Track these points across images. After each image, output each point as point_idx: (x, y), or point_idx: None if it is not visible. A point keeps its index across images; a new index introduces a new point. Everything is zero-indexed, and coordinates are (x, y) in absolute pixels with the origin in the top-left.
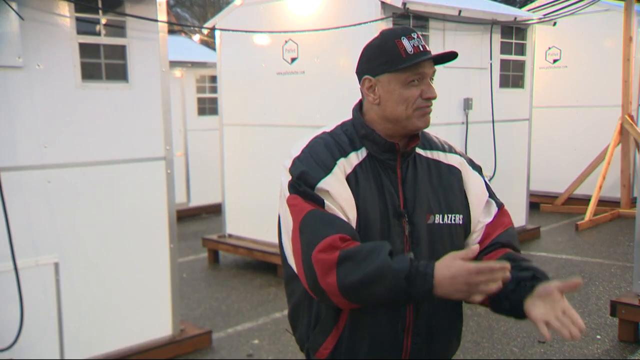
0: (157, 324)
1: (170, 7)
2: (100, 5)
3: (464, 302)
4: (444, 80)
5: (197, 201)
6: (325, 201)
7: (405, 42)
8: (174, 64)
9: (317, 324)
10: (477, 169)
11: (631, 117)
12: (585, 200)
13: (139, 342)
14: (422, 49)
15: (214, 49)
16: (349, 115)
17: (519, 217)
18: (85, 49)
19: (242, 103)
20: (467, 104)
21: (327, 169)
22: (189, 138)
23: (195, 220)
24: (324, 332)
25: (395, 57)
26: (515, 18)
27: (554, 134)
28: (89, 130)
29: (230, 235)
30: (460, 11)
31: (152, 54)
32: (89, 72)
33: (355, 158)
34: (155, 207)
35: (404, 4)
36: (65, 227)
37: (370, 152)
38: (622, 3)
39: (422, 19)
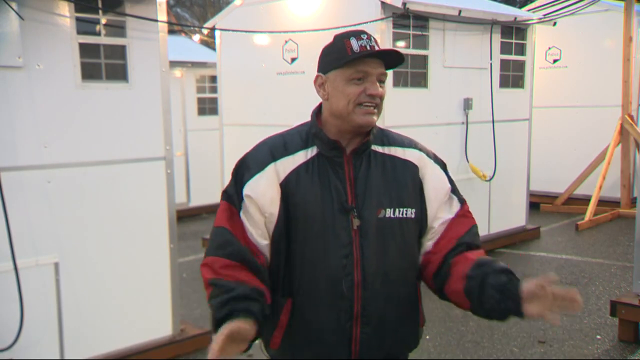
0: (157, 324)
1: (170, 7)
2: (100, 5)
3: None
4: (443, 80)
5: (197, 201)
6: (241, 211)
7: (353, 41)
8: (174, 64)
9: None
10: (440, 164)
11: (631, 117)
12: (585, 200)
13: (139, 342)
14: (369, 48)
15: (214, 49)
16: None
17: (519, 217)
18: (85, 49)
19: (242, 103)
20: (467, 104)
21: (260, 168)
22: (189, 138)
23: (195, 220)
24: (272, 324)
25: (342, 54)
26: (515, 18)
27: (554, 134)
28: (89, 130)
29: None
30: (460, 11)
31: (152, 54)
32: (89, 72)
33: (302, 156)
34: (155, 207)
35: (404, 4)
36: (65, 227)
37: (320, 151)
38: (622, 3)
39: (422, 19)
